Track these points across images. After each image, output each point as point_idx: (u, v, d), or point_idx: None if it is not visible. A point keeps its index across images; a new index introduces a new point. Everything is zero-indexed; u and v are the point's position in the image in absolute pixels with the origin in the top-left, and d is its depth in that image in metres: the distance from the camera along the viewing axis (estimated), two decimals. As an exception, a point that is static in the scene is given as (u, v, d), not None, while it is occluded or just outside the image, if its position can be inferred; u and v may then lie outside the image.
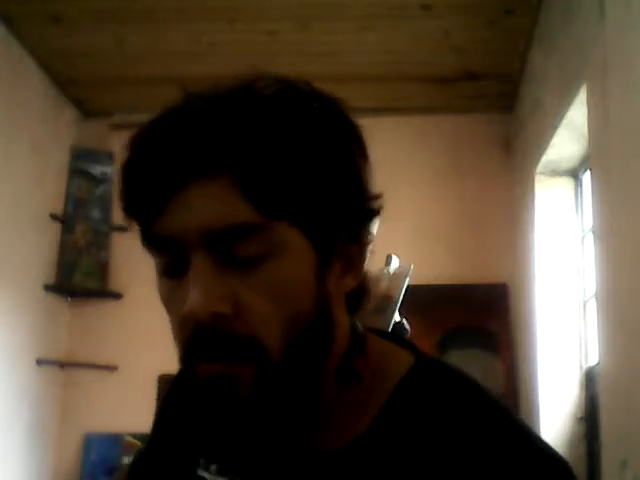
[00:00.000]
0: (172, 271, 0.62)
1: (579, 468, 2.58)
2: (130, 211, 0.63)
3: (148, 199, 0.60)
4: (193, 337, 0.60)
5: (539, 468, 0.60)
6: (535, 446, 0.62)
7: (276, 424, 0.65)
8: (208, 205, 0.58)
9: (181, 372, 0.79)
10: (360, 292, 0.70)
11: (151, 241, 0.62)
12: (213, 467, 0.71)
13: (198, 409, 0.68)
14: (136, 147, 0.61)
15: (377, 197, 0.67)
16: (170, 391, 0.82)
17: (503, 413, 0.65)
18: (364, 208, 0.66)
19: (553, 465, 0.61)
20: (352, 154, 0.65)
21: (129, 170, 0.61)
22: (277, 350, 0.61)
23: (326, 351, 0.65)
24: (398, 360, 0.69)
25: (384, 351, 0.71)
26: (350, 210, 0.64)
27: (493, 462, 0.60)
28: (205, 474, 0.72)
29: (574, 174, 2.97)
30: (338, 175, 0.63)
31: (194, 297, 0.59)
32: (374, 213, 0.67)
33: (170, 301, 0.63)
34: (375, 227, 0.69)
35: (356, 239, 0.66)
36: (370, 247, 0.68)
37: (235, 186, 0.58)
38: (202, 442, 0.74)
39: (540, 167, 2.95)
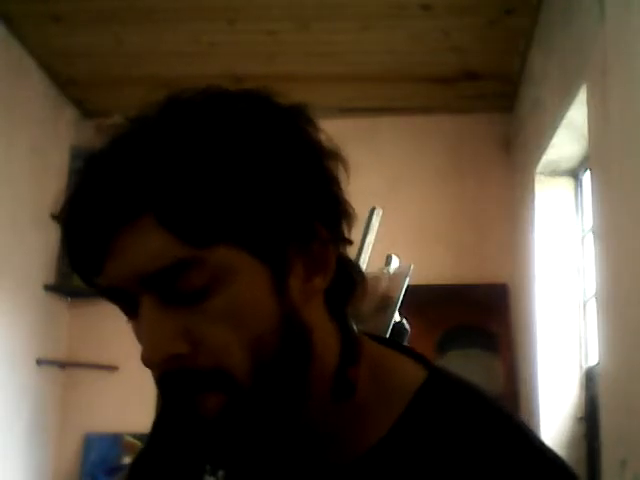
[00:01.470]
0: (129, 314, 0.61)
1: (579, 468, 2.58)
2: (74, 268, 0.62)
3: (85, 256, 0.60)
4: (159, 379, 0.60)
5: None
6: (552, 463, 0.62)
7: (258, 442, 0.63)
8: (138, 250, 0.57)
9: None
10: (343, 288, 0.66)
11: (102, 293, 0.61)
12: (220, 473, 0.71)
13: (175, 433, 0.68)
14: (64, 208, 0.62)
15: (327, 189, 0.62)
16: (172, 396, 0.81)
17: (520, 430, 0.64)
18: (312, 206, 0.61)
19: None
20: (286, 154, 0.60)
21: (64, 231, 0.61)
22: (245, 375, 0.58)
23: (305, 361, 0.62)
24: (406, 372, 0.67)
25: (386, 359, 0.69)
26: (294, 213, 0.60)
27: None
28: (211, 479, 0.71)
29: (574, 174, 2.97)
30: (268, 183, 0.58)
31: (145, 344, 0.58)
32: (327, 206, 0.63)
33: (138, 335, 0.62)
34: (341, 214, 0.64)
35: (313, 237, 0.61)
36: (339, 238, 0.64)
37: (159, 225, 0.56)
38: (206, 449, 0.73)
39: (540, 167, 2.95)
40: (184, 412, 0.60)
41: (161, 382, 0.60)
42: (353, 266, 0.69)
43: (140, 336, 0.60)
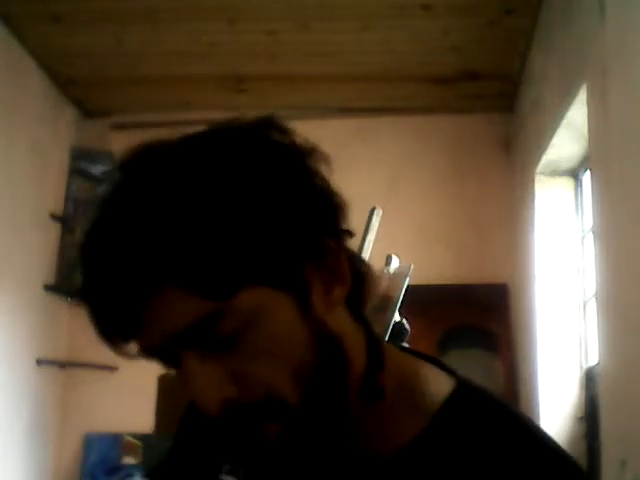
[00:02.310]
0: (171, 366, 0.63)
1: (579, 468, 2.58)
2: (106, 338, 0.63)
3: (117, 330, 0.62)
4: (218, 421, 0.62)
5: None
6: (576, 475, 0.64)
7: (310, 457, 0.65)
8: (166, 315, 0.59)
9: None
10: (356, 285, 0.68)
11: (141, 352, 0.63)
12: (239, 472, 0.72)
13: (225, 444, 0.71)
14: (84, 288, 0.62)
15: (326, 203, 0.64)
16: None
17: (545, 442, 0.66)
18: (317, 224, 0.63)
19: None
20: (283, 184, 0.61)
21: (89, 310, 0.63)
22: (295, 397, 0.61)
23: (343, 369, 0.64)
24: (433, 379, 0.69)
25: (412, 367, 0.70)
26: (302, 237, 0.62)
27: None
28: (229, 478, 0.72)
29: (574, 174, 2.97)
30: (272, 219, 0.60)
31: (196, 395, 0.60)
32: (330, 219, 0.65)
33: (183, 385, 0.63)
34: (343, 226, 0.66)
35: (325, 251, 0.64)
36: (347, 241, 0.66)
37: (179, 290, 0.58)
38: (226, 448, 0.74)
39: (540, 167, 2.95)
40: (249, 438, 0.62)
41: (219, 423, 0.62)
42: (358, 258, 0.70)
43: (187, 387, 0.62)
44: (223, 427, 0.64)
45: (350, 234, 0.67)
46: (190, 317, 0.58)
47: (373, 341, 0.68)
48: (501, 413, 0.67)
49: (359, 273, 0.68)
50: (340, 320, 0.66)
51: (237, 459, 0.72)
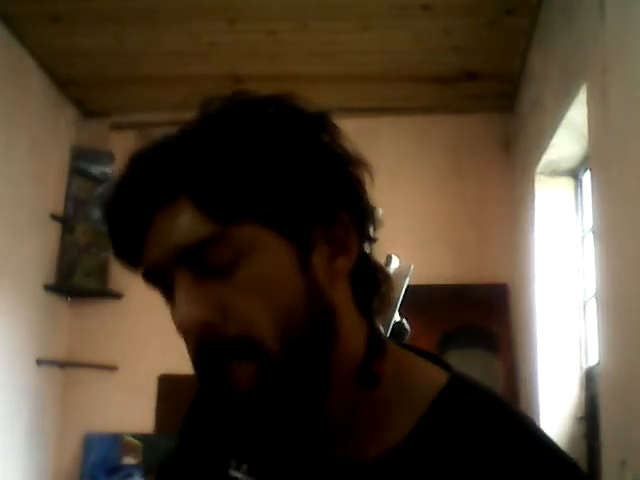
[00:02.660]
0: (169, 297, 0.66)
1: (579, 468, 2.58)
2: (120, 256, 0.68)
3: (128, 242, 0.66)
4: (195, 352, 0.64)
5: None
6: (571, 471, 0.64)
7: (288, 421, 0.65)
8: (173, 228, 0.63)
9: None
10: (368, 287, 0.70)
11: (144, 277, 0.67)
12: (244, 467, 0.73)
13: (211, 410, 0.73)
14: (105, 202, 0.67)
15: (352, 175, 0.68)
16: (197, 393, 0.83)
17: (537, 435, 0.66)
18: (333, 189, 0.66)
19: None
20: (309, 142, 0.66)
21: (107, 220, 0.67)
22: (275, 346, 0.62)
23: (329, 338, 0.65)
24: (427, 374, 0.70)
25: (408, 361, 0.71)
26: (316, 197, 0.65)
27: None
28: (237, 474, 0.73)
29: (574, 174, 2.97)
30: (292, 166, 0.64)
31: (180, 310, 0.63)
32: (349, 196, 0.68)
33: (174, 320, 0.66)
34: (363, 203, 0.69)
35: (335, 221, 0.66)
36: (366, 222, 0.69)
37: (191, 205, 0.62)
38: (232, 443, 0.75)
39: (540, 167, 2.95)
40: (220, 386, 0.64)
41: (196, 354, 0.64)
42: (379, 267, 0.72)
43: (174, 310, 0.64)
44: (198, 366, 0.65)
45: (366, 213, 0.70)
46: (194, 235, 0.62)
47: (375, 334, 0.70)
48: (494, 406, 0.67)
49: (374, 274, 0.71)
50: (340, 295, 0.67)
51: (243, 453, 0.73)
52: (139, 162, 0.65)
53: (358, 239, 0.68)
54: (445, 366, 0.71)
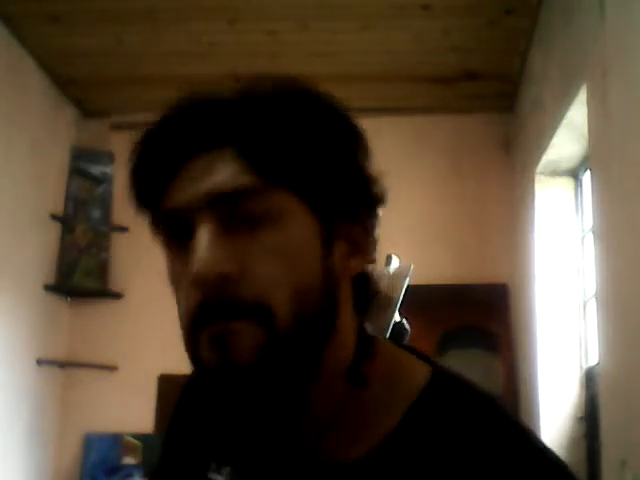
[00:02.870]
0: (181, 246, 0.64)
1: (579, 468, 2.58)
2: (139, 190, 0.66)
3: (157, 174, 0.64)
4: (199, 306, 0.61)
5: None
6: (552, 463, 0.63)
7: (276, 403, 0.65)
8: (213, 172, 0.62)
9: (191, 377, 0.79)
10: (366, 286, 0.70)
11: (160, 218, 0.65)
12: (225, 470, 0.72)
13: (203, 389, 0.71)
14: (146, 132, 0.66)
15: (379, 185, 0.69)
16: (181, 396, 0.82)
17: (519, 430, 0.65)
18: (364, 191, 0.68)
19: None
20: (350, 139, 0.68)
21: (139, 151, 0.66)
22: (285, 318, 0.61)
23: (328, 333, 0.64)
24: (413, 372, 0.69)
25: (397, 360, 0.71)
26: (350, 189, 0.66)
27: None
28: (217, 477, 0.72)
29: (574, 174, 2.97)
30: (336, 152, 0.66)
31: (200, 256, 0.60)
32: (375, 199, 0.69)
33: (179, 278, 0.64)
34: (379, 218, 0.70)
35: (358, 222, 0.67)
36: (376, 236, 0.69)
37: (236, 157, 0.62)
38: (213, 445, 0.74)
39: (540, 167, 2.95)
40: (213, 354, 0.61)
41: (199, 310, 0.61)
42: (374, 283, 0.73)
43: (182, 269, 0.63)
44: (192, 328, 0.62)
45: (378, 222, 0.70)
46: (233, 182, 0.61)
47: (364, 334, 0.69)
48: (476, 401, 0.67)
49: (369, 288, 0.71)
50: (344, 295, 0.67)
51: (224, 455, 0.72)
52: (195, 103, 0.65)
53: (373, 245, 0.68)
54: (429, 360, 0.71)
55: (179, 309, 0.64)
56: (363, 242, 0.68)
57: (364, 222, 0.68)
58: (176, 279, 0.64)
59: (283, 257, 0.62)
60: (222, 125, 0.63)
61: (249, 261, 0.61)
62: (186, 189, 0.63)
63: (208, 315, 0.61)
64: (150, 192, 0.65)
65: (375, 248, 0.69)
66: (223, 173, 0.62)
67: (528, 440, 0.64)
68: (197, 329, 0.62)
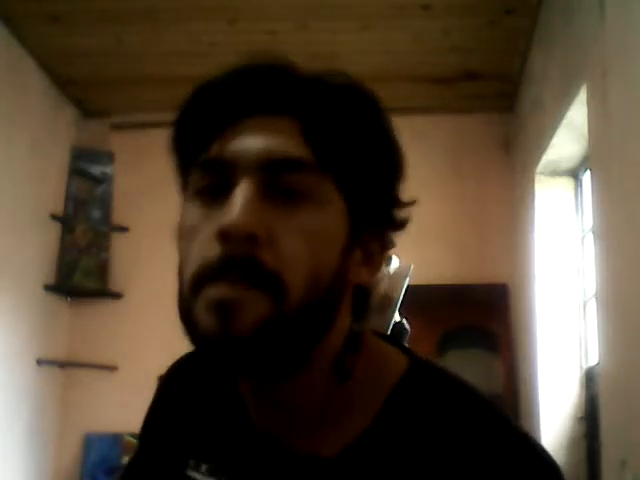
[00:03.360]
0: (210, 200, 0.63)
1: (579, 468, 2.58)
2: (187, 134, 0.66)
3: (211, 122, 0.64)
4: (219, 258, 0.60)
5: (535, 471, 0.62)
6: (532, 449, 0.63)
7: (262, 383, 0.65)
8: (269, 136, 0.63)
9: (168, 373, 0.80)
10: (365, 298, 0.71)
11: (200, 166, 0.64)
12: (204, 467, 0.71)
13: (196, 358, 0.72)
14: (210, 80, 0.66)
15: (406, 212, 0.71)
16: (158, 392, 0.82)
17: (498, 417, 0.65)
18: (395, 210, 0.70)
19: (547, 468, 0.63)
20: (399, 158, 0.71)
21: (197, 96, 0.66)
22: (295, 297, 0.60)
23: (328, 324, 0.65)
24: (391, 361, 0.70)
25: (380, 353, 0.71)
26: (387, 204, 0.68)
27: (490, 468, 0.61)
28: (195, 474, 0.71)
29: (574, 174, 2.97)
30: (388, 164, 0.69)
31: (235, 210, 0.60)
32: (400, 223, 0.71)
33: (194, 230, 0.63)
34: (393, 243, 0.72)
35: (379, 237, 0.69)
36: (385, 257, 0.71)
37: (297, 128, 0.63)
38: (192, 442, 0.74)
39: (540, 167, 2.95)
40: (213, 317, 0.59)
41: (217, 263, 0.60)
42: (372, 299, 0.73)
43: (205, 217, 0.62)
44: (197, 285, 0.61)
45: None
46: (288, 151, 0.62)
47: (353, 332, 0.69)
48: (455, 392, 0.67)
49: (367, 304, 0.72)
50: (348, 297, 0.68)
51: (202, 451, 0.72)
52: (269, 64, 0.66)
53: (382, 263, 0.70)
54: (408, 352, 0.71)
55: (187, 259, 0.63)
56: (377, 257, 0.69)
57: (383, 239, 0.70)
58: (190, 230, 0.63)
59: (311, 239, 0.62)
60: (292, 95, 0.64)
61: (278, 232, 0.61)
62: (238, 143, 0.63)
63: (223, 270, 0.60)
64: (198, 139, 0.65)
65: (381, 267, 0.70)
66: (279, 140, 0.62)
67: (505, 425, 0.64)
68: (205, 282, 0.60)
